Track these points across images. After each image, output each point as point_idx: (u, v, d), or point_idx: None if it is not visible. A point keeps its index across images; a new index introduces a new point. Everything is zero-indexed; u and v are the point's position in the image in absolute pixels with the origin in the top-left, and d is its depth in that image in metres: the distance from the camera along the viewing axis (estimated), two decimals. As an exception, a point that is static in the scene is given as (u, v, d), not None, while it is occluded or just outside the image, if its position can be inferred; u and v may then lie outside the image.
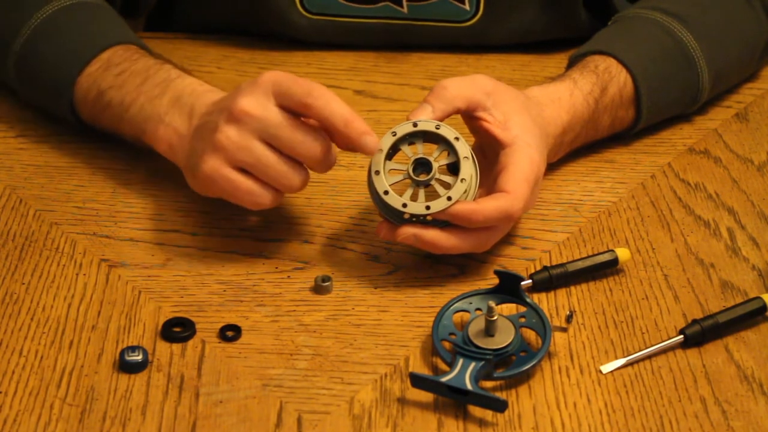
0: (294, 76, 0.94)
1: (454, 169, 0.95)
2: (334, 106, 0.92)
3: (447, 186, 0.94)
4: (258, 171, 0.93)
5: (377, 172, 0.94)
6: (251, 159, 0.93)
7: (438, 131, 0.95)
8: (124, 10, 1.25)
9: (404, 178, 0.95)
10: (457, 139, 0.95)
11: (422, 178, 0.94)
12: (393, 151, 0.96)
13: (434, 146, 0.96)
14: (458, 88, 0.98)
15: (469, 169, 0.94)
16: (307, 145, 0.93)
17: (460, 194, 0.93)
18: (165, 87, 1.02)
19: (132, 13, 1.27)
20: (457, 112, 0.98)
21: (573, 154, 1.12)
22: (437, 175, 0.94)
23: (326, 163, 0.94)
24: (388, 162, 0.95)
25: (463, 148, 0.95)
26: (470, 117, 0.99)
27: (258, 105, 0.92)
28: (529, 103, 1.02)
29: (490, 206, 0.93)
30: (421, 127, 0.95)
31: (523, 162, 0.96)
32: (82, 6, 1.13)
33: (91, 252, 1.00)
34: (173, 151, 1.00)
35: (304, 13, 1.26)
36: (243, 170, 0.94)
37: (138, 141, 1.04)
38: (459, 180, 0.93)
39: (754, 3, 1.21)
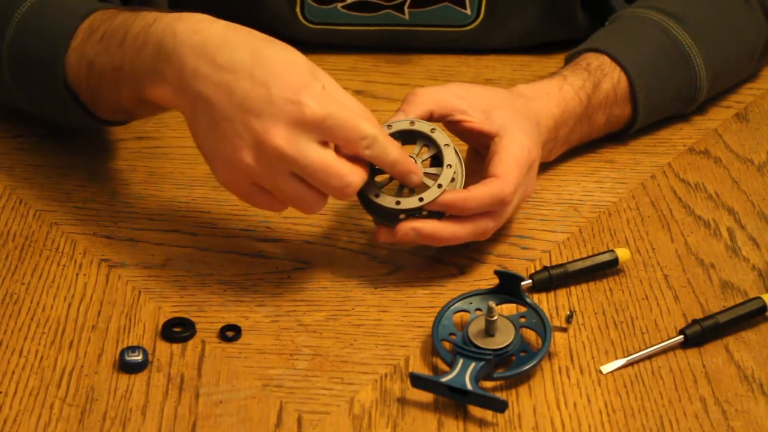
0: (342, 109, 0.87)
1: (437, 160, 0.95)
2: (387, 151, 0.90)
3: (434, 177, 0.94)
4: (279, 196, 0.90)
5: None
6: (274, 188, 0.89)
7: (414, 127, 0.96)
8: None
9: (391, 181, 0.95)
10: (433, 130, 0.95)
11: None
12: None
13: (413, 145, 0.96)
14: (429, 92, 0.99)
15: (451, 155, 0.94)
16: (341, 191, 0.88)
17: (449, 180, 0.93)
18: (145, 36, 0.93)
19: None
20: (431, 115, 0.98)
21: (572, 154, 1.12)
22: (423, 169, 0.94)
23: (352, 196, 0.91)
24: (372, 169, 0.95)
25: (442, 137, 0.95)
26: (451, 123, 0.99)
27: (296, 146, 0.86)
28: (513, 96, 1.02)
29: (481, 192, 0.93)
30: (396, 127, 0.95)
31: (512, 146, 0.96)
32: None
33: (91, 252, 1.00)
34: (173, 104, 0.92)
35: (307, 23, 1.25)
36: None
37: (140, 103, 0.97)
38: (445, 166, 0.94)
39: (752, 4, 1.21)
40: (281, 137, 0.86)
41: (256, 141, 0.87)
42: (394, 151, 0.91)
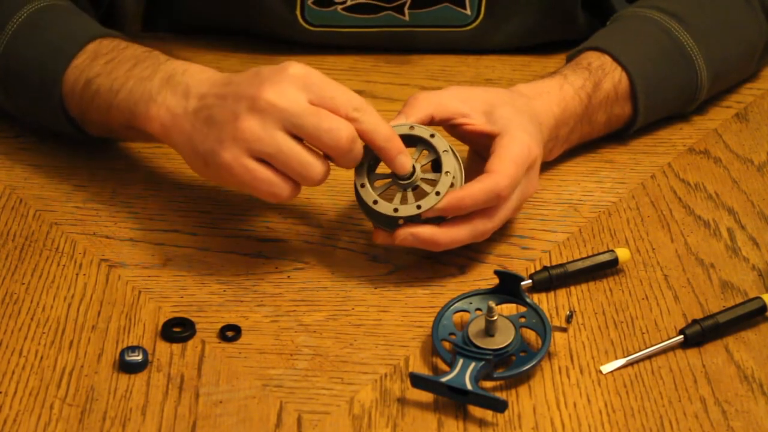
0: (324, 76, 0.92)
1: (436, 166, 0.95)
2: (378, 122, 0.92)
3: (433, 183, 0.94)
4: (279, 162, 0.91)
5: (362, 185, 0.94)
6: (273, 149, 0.90)
7: (413, 132, 0.95)
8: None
9: (390, 186, 0.95)
10: (432, 135, 0.95)
11: (407, 180, 0.94)
12: (374, 162, 0.96)
13: (412, 149, 0.96)
14: (430, 96, 0.99)
15: (450, 161, 0.94)
16: (334, 134, 0.90)
17: (447, 187, 0.93)
18: (155, 69, 0.99)
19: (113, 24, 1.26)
20: (432, 119, 0.98)
21: (572, 154, 1.12)
22: (422, 175, 0.94)
23: (352, 156, 0.92)
24: (371, 174, 0.95)
25: (441, 143, 0.95)
26: (453, 126, 0.99)
27: (285, 96, 0.90)
28: (514, 96, 1.02)
29: (476, 189, 0.93)
30: (395, 131, 0.95)
31: (512, 144, 0.96)
32: (55, 7, 1.10)
33: (91, 252, 1.00)
34: (167, 131, 0.96)
35: (307, 26, 1.25)
36: (262, 160, 0.91)
37: (128, 127, 1.00)
38: (443, 173, 0.94)
39: (753, 3, 1.21)
40: (271, 92, 0.90)
41: (250, 103, 0.91)
42: (387, 126, 0.93)
